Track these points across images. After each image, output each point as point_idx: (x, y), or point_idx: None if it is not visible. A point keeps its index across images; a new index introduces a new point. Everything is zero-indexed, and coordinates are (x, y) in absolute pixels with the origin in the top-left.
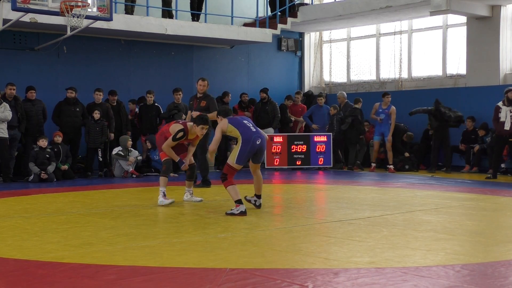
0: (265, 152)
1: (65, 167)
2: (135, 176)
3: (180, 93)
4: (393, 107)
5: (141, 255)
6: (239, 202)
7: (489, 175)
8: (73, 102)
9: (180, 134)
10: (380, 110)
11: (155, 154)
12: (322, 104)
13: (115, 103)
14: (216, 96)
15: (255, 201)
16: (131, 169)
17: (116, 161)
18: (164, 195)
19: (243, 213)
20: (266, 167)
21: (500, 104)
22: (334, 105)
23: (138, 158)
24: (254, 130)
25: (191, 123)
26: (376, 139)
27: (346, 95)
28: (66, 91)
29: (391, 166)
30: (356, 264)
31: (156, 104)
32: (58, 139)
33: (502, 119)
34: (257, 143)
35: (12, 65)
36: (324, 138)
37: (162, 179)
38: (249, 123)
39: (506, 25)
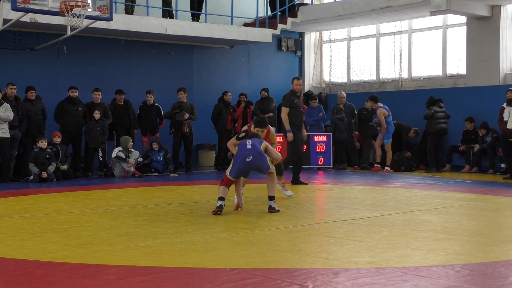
0: (265, 162)
1: (65, 167)
2: (137, 176)
3: (182, 92)
4: (379, 110)
5: (141, 255)
6: (220, 199)
7: (506, 176)
8: (76, 102)
9: (243, 134)
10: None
11: (159, 155)
12: (315, 106)
13: (122, 103)
14: (217, 96)
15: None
16: (132, 169)
17: (116, 162)
18: (283, 186)
19: (216, 208)
20: None
21: (504, 105)
22: (337, 106)
23: (138, 159)
24: (249, 147)
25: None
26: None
27: (345, 95)
28: (69, 91)
29: (387, 168)
30: (356, 264)
31: (156, 104)
32: (57, 139)
33: (505, 119)
34: (247, 160)
35: (12, 65)
36: (324, 138)
37: (281, 178)
38: (250, 142)
39: (506, 25)
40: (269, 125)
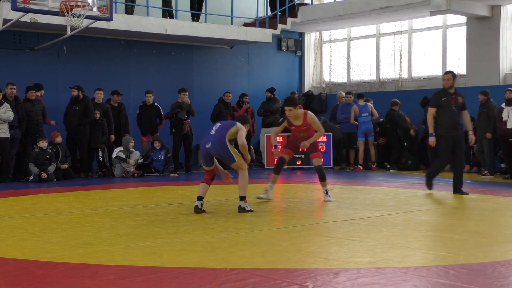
0: (227, 154)
1: (65, 166)
2: (136, 175)
3: (187, 93)
4: (355, 106)
5: (141, 255)
6: (198, 198)
7: (506, 176)
8: (75, 101)
9: (281, 119)
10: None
11: (160, 154)
12: (350, 102)
13: (116, 104)
14: (217, 96)
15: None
16: (132, 169)
17: (116, 162)
18: (327, 192)
19: (194, 209)
20: (266, 167)
21: (503, 105)
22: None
23: (138, 161)
24: (212, 133)
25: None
26: (360, 139)
27: (345, 95)
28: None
29: (359, 166)
30: (356, 264)
31: (155, 104)
32: (58, 139)
33: (504, 119)
34: (206, 146)
35: (12, 65)
36: (324, 138)
37: (324, 184)
38: (217, 126)
39: (506, 25)
40: (307, 111)
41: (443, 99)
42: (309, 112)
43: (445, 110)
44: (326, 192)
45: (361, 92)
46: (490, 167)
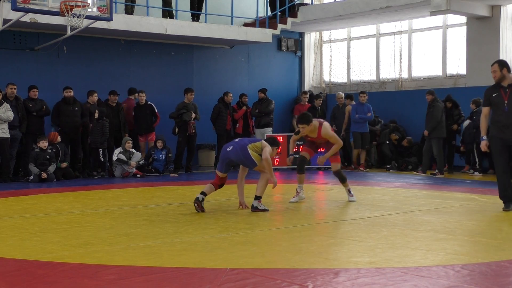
0: (247, 158)
1: (65, 164)
2: (139, 176)
3: (193, 94)
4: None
5: (141, 255)
6: (201, 192)
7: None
8: (72, 102)
9: (297, 130)
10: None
11: (161, 153)
12: (365, 101)
13: (114, 104)
14: (217, 96)
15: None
16: (134, 170)
17: (117, 164)
18: (350, 192)
19: (194, 201)
20: None
21: None
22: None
23: (140, 162)
24: (236, 140)
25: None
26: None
27: (344, 95)
28: (63, 91)
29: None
30: (356, 264)
31: (149, 102)
32: (58, 139)
33: None
34: (227, 149)
35: (12, 65)
36: None
37: (345, 185)
38: (241, 139)
39: (506, 25)
40: (321, 121)
41: (493, 94)
42: (324, 125)
43: (496, 107)
44: (349, 191)
45: (350, 93)
46: (440, 166)
